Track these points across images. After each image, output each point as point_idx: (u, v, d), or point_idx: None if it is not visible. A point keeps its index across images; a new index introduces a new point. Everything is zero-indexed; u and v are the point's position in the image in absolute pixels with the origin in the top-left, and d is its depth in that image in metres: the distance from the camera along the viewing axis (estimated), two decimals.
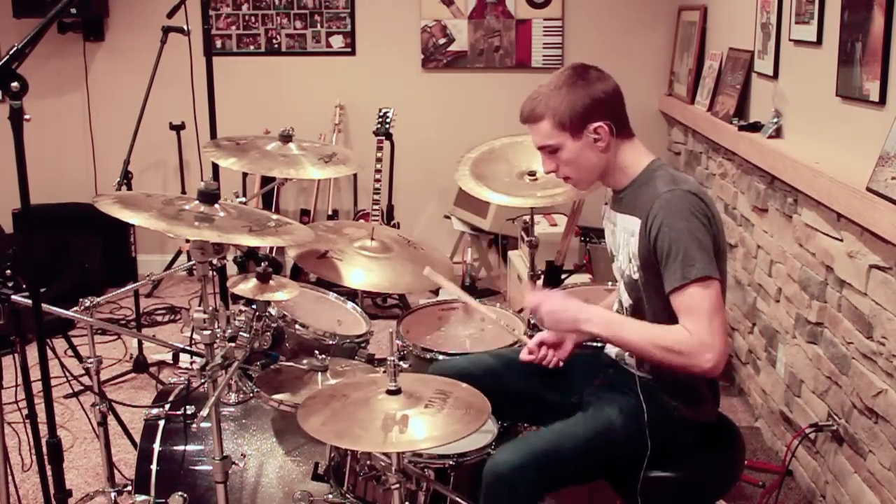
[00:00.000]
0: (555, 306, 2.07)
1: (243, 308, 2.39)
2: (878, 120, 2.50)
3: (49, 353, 2.12)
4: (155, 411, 2.48)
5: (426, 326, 2.88)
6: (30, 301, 2.10)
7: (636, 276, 2.05)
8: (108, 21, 5.37)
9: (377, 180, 4.73)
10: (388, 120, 4.87)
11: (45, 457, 2.23)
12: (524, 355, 2.26)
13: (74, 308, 2.49)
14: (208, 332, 2.13)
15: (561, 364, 2.25)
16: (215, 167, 2.91)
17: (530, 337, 2.74)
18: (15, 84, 1.86)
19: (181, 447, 2.42)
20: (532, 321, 2.81)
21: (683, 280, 1.90)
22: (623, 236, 2.10)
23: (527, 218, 3.13)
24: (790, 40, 3.26)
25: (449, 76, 5.35)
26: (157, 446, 2.42)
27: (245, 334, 2.29)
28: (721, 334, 1.89)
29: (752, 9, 3.68)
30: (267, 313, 2.51)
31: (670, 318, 1.96)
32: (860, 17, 2.58)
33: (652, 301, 2.04)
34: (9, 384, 2.46)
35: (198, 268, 2.24)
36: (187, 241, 3.40)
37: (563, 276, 3.62)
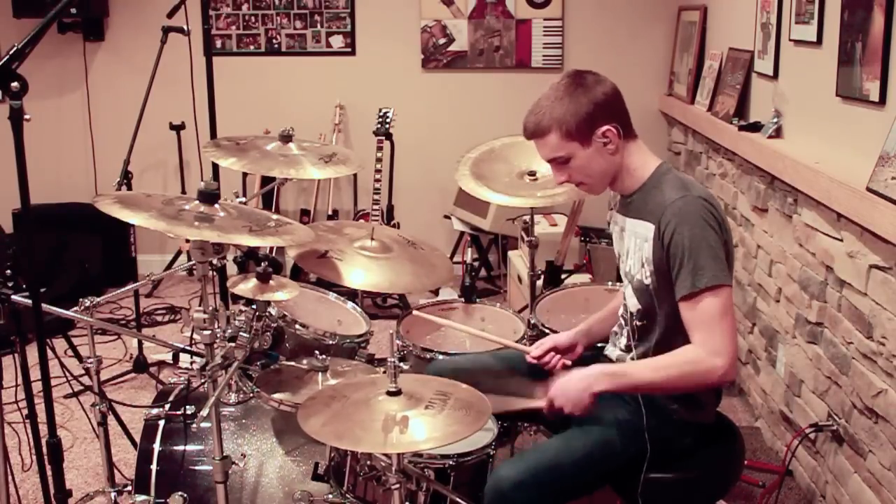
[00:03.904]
0: (568, 390, 2.02)
1: (243, 308, 2.38)
2: (878, 120, 2.50)
3: (49, 353, 2.12)
4: (155, 411, 2.47)
5: (426, 326, 2.88)
6: (30, 301, 2.10)
7: (648, 281, 2.05)
8: (108, 21, 5.37)
9: (377, 180, 4.73)
10: (388, 120, 4.87)
11: (45, 457, 2.23)
12: (530, 359, 2.26)
13: (74, 308, 2.49)
14: (208, 332, 2.13)
15: (569, 363, 2.24)
16: (215, 167, 2.91)
17: (531, 339, 2.75)
18: (15, 84, 1.86)
19: (181, 447, 2.42)
20: (532, 321, 2.82)
21: (693, 289, 1.91)
22: (634, 241, 2.09)
23: (527, 218, 3.14)
24: (790, 40, 3.26)
25: (449, 76, 5.35)
26: (157, 446, 2.41)
27: (245, 334, 2.29)
28: (729, 338, 1.90)
29: (752, 9, 3.68)
30: (267, 313, 2.51)
31: (681, 322, 1.97)
32: (860, 17, 2.58)
33: (664, 306, 2.04)
34: (9, 384, 2.46)
35: (198, 268, 2.24)
36: (187, 241, 3.40)
37: (563, 276, 3.63)
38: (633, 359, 2.14)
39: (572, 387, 2.02)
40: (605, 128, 2.03)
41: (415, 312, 2.68)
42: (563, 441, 2.06)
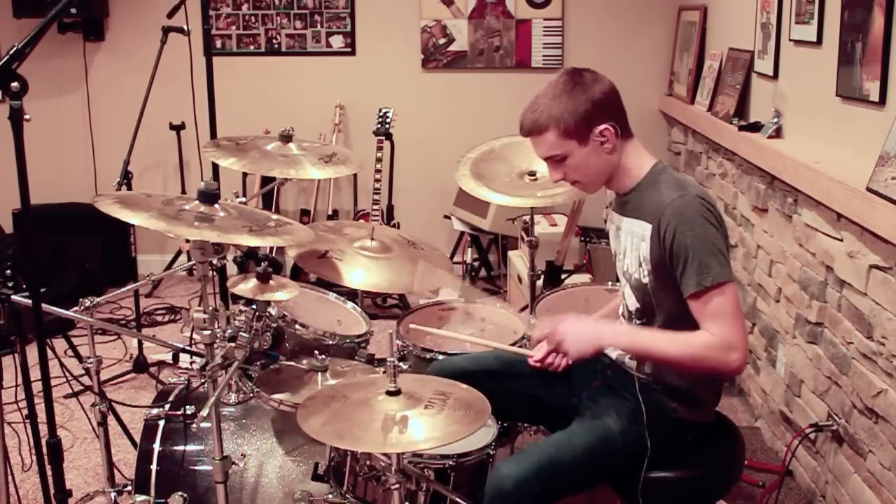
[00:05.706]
0: (578, 333, 2.05)
1: (243, 308, 2.39)
2: (878, 120, 2.50)
3: (49, 353, 2.12)
4: (155, 411, 2.48)
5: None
6: (30, 301, 2.10)
7: (646, 279, 2.05)
8: (108, 21, 5.37)
9: (377, 180, 4.73)
10: (388, 120, 4.87)
11: (45, 457, 2.23)
12: (532, 363, 2.26)
13: (74, 308, 2.49)
14: (208, 332, 2.13)
15: (570, 363, 2.24)
16: (215, 167, 2.91)
17: (531, 339, 2.75)
18: (15, 84, 1.86)
19: (181, 447, 2.42)
20: (533, 321, 2.81)
21: (699, 287, 1.92)
22: (631, 240, 2.09)
23: (527, 218, 3.14)
24: (790, 40, 3.26)
25: (449, 76, 5.35)
26: (157, 446, 2.42)
27: (245, 334, 2.29)
28: (743, 334, 1.92)
29: (752, 9, 3.68)
30: (267, 313, 2.51)
31: (680, 320, 1.97)
32: (860, 17, 2.58)
33: (663, 304, 2.04)
34: (9, 384, 2.46)
35: (198, 268, 2.24)
36: (187, 241, 3.40)
37: (563, 276, 3.63)
38: (631, 358, 2.14)
39: (582, 332, 2.03)
40: (602, 127, 2.03)
41: (410, 326, 2.68)
42: (564, 437, 2.07)
